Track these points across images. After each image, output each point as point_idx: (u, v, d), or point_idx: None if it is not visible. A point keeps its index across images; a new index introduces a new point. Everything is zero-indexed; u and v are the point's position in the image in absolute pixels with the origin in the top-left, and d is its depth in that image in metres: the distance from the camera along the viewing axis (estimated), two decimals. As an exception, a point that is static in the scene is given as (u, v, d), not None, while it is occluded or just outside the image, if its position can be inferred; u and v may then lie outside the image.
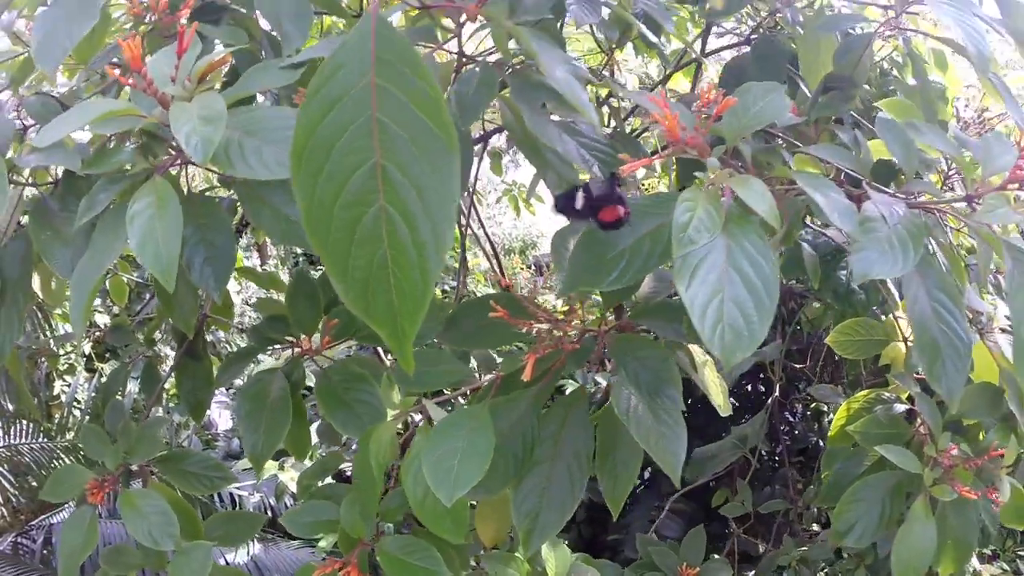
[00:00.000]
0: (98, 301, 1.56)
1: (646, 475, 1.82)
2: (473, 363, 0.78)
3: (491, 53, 0.57)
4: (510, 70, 0.49)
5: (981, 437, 0.69)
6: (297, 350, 0.67)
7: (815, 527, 1.34)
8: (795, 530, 1.28)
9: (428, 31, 0.51)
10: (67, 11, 0.53)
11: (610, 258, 0.41)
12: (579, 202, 0.43)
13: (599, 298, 0.55)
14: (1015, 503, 0.65)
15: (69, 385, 2.01)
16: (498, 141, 1.41)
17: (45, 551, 1.64)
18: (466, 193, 1.05)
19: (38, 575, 1.57)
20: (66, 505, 1.52)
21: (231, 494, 1.96)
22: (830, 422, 0.85)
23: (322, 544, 1.69)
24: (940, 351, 0.49)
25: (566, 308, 0.55)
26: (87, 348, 1.85)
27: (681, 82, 1.09)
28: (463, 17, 0.45)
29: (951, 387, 0.48)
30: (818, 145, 0.62)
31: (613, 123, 1.02)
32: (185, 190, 0.61)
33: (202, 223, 0.52)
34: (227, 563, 1.53)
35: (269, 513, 1.84)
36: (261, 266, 2.66)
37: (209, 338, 1.35)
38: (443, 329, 0.57)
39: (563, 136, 0.45)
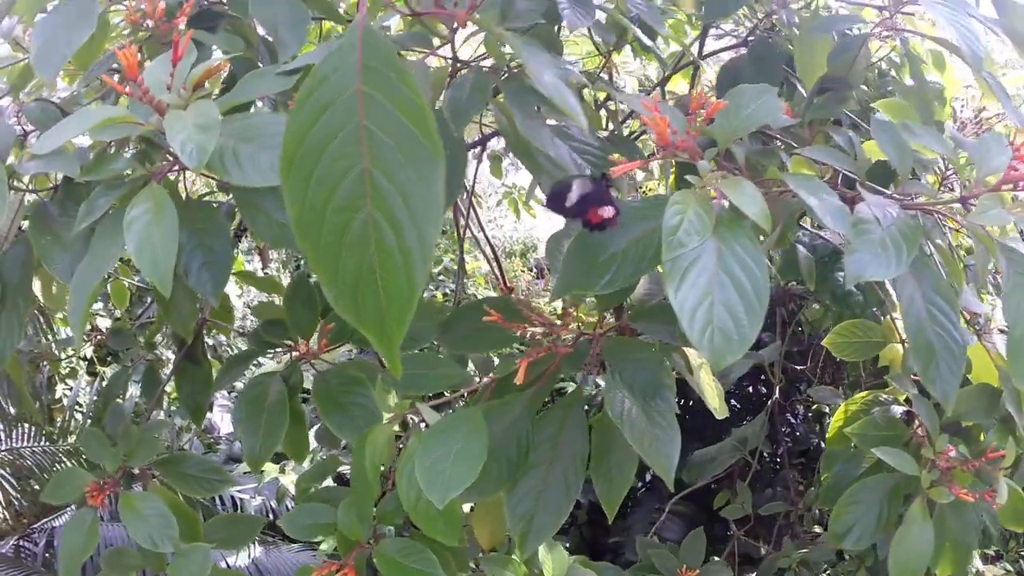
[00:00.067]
0: (100, 305, 1.57)
1: (647, 477, 1.82)
2: (471, 366, 0.78)
3: (486, 58, 0.57)
4: (506, 75, 0.49)
5: (982, 438, 0.69)
6: (295, 354, 0.67)
7: (817, 529, 1.33)
8: (796, 532, 1.28)
9: (423, 36, 0.51)
10: (66, 18, 0.54)
11: (602, 261, 0.41)
12: (570, 199, 0.43)
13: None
14: (1013, 505, 0.65)
15: (71, 389, 2.02)
16: (498, 144, 1.42)
17: (47, 554, 1.65)
18: (466, 195, 1.05)
19: (40, 578, 1.58)
20: (68, 508, 1.53)
21: (233, 497, 1.96)
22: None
23: (323, 547, 1.69)
24: (935, 353, 0.49)
25: (574, 310, 0.55)
26: (89, 352, 1.86)
27: (681, 84, 1.09)
28: (456, 23, 0.45)
29: (945, 389, 0.48)
30: (813, 147, 0.62)
31: (611, 126, 1.03)
32: (184, 195, 0.61)
33: (199, 228, 0.52)
34: (228, 566, 1.54)
35: (271, 516, 1.85)
36: (263, 270, 2.67)
37: (211, 342, 1.35)
38: (440, 332, 0.57)
39: (555, 140, 0.45)
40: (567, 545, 1.86)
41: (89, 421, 1.86)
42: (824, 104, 0.66)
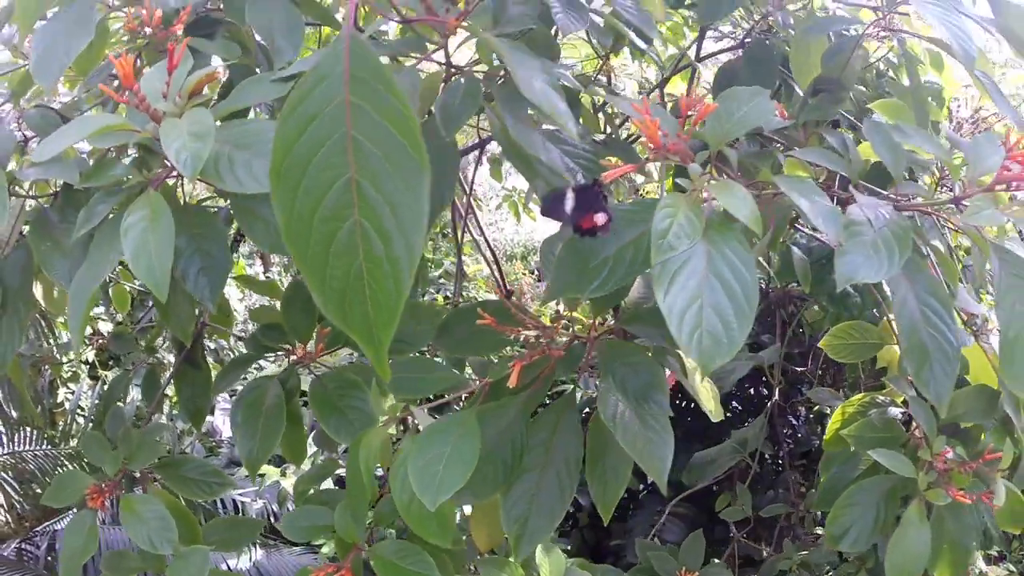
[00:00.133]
0: (101, 309, 1.58)
1: (649, 480, 1.81)
2: (469, 369, 0.79)
3: (482, 62, 0.58)
4: (501, 80, 0.49)
5: (983, 439, 0.69)
6: (292, 357, 0.68)
7: (818, 531, 1.33)
8: (798, 534, 1.27)
9: (418, 42, 0.52)
10: (65, 26, 0.54)
11: (593, 265, 0.41)
12: (565, 206, 0.44)
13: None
14: (1011, 506, 0.65)
15: (73, 392, 2.03)
16: (497, 147, 1.42)
17: (49, 557, 1.66)
18: (465, 198, 1.06)
19: (42, 581, 1.58)
20: (69, 512, 1.53)
21: (234, 501, 1.97)
22: (831, 425, 0.84)
23: (325, 550, 1.70)
24: (929, 355, 0.49)
25: (568, 313, 0.56)
26: (91, 356, 1.87)
27: (680, 86, 1.09)
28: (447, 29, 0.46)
29: (939, 391, 0.48)
30: (808, 149, 0.62)
31: (609, 129, 1.03)
32: (182, 201, 0.62)
33: (197, 233, 0.53)
34: (229, 568, 1.54)
35: (272, 519, 1.85)
36: (264, 273, 2.68)
37: (212, 345, 1.36)
38: (436, 336, 0.57)
39: (547, 145, 0.46)
40: (569, 547, 1.86)
41: (91, 425, 1.87)
42: (818, 105, 0.66)
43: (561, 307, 0.63)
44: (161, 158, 0.50)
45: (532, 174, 0.51)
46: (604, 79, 1.01)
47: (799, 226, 0.78)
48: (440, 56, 0.51)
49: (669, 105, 0.93)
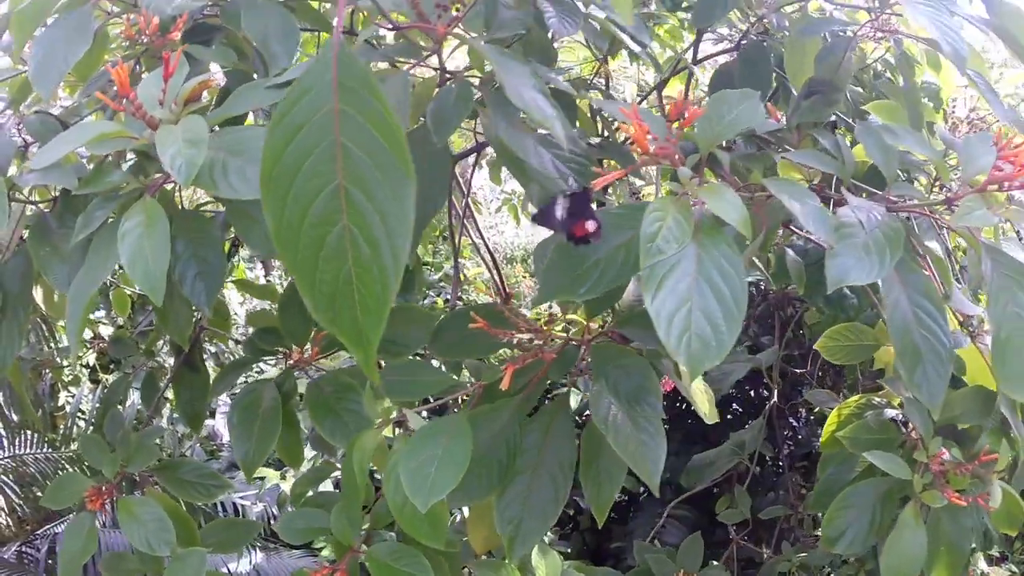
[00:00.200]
0: (102, 313, 1.59)
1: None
2: (466, 372, 0.79)
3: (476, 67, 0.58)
4: (496, 85, 0.50)
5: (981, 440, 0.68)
6: (289, 361, 0.68)
7: (818, 533, 1.33)
8: (798, 535, 1.27)
9: (413, 48, 0.52)
10: (65, 33, 0.55)
11: (584, 269, 0.42)
12: (557, 214, 0.44)
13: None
14: (1007, 508, 0.65)
15: (74, 396, 2.04)
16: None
17: (49, 560, 1.66)
18: (465, 200, 1.06)
19: (43, 583, 1.59)
20: (70, 515, 1.54)
21: (234, 504, 1.97)
22: (831, 427, 0.84)
23: (324, 553, 1.70)
24: (921, 356, 0.49)
25: (563, 316, 0.56)
26: (91, 359, 1.88)
27: (679, 88, 1.10)
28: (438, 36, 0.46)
29: (932, 393, 0.48)
30: (801, 151, 0.63)
31: (606, 132, 1.03)
32: (180, 206, 0.62)
33: (194, 238, 0.53)
34: (229, 571, 1.54)
35: (272, 522, 1.85)
36: (265, 277, 2.69)
37: (212, 349, 1.36)
38: (431, 339, 0.57)
39: (538, 149, 0.46)
40: (569, 550, 1.85)
41: (91, 428, 1.87)
42: (812, 107, 0.66)
43: (556, 310, 0.63)
44: (158, 163, 0.51)
45: (526, 178, 0.51)
46: (602, 81, 1.02)
47: (794, 228, 0.78)
48: (435, 61, 0.51)
49: (667, 107, 0.93)
